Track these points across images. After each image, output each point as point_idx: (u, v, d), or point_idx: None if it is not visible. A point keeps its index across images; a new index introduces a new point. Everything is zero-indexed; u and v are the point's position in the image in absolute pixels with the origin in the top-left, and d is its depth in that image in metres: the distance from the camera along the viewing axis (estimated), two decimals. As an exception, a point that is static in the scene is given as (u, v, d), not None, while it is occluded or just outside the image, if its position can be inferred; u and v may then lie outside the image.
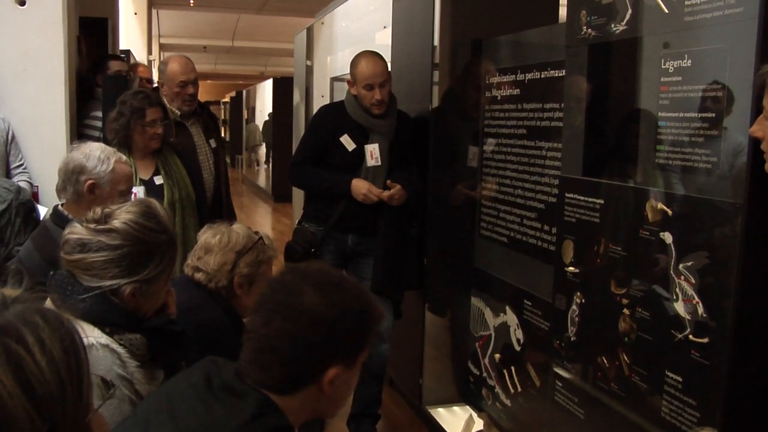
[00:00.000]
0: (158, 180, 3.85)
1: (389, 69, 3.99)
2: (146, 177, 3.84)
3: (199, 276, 2.65)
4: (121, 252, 1.93)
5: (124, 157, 2.98)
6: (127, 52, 7.77)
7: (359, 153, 3.92)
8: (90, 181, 2.82)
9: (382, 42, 5.36)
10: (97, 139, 4.46)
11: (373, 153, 3.90)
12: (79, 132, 4.69)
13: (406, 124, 4.05)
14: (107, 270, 1.92)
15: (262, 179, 17.93)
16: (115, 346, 1.88)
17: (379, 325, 1.68)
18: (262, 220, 13.65)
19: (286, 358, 1.55)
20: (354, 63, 3.95)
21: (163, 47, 19.62)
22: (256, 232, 2.80)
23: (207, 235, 2.72)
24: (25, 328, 0.97)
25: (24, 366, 0.94)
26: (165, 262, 2.01)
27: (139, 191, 3.69)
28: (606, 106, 2.79)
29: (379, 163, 3.91)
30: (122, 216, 1.97)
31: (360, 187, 3.88)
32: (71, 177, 2.83)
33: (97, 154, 2.86)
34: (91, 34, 5.91)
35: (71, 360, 1.00)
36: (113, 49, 6.58)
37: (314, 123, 4.14)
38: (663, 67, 2.37)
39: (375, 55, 3.93)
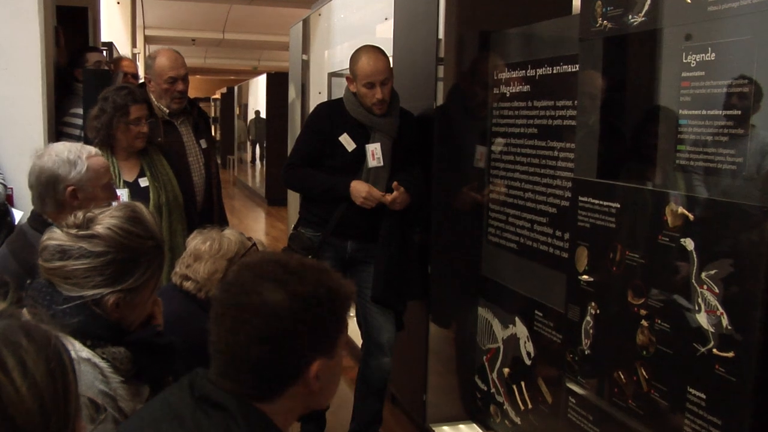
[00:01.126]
0: (143, 182, 3.85)
1: (391, 65, 3.99)
2: (130, 179, 3.83)
3: (187, 285, 2.65)
4: (105, 259, 1.91)
5: (93, 149, 2.94)
6: (110, 45, 7.75)
7: (360, 153, 3.92)
8: (70, 188, 2.78)
9: (383, 35, 5.35)
10: (77, 138, 4.47)
11: (374, 153, 3.89)
12: (57, 130, 4.68)
13: (409, 123, 4.04)
14: (89, 279, 1.91)
15: (256, 181, 17.93)
16: (97, 360, 1.86)
17: (350, 301, 1.65)
18: (255, 225, 13.65)
19: (261, 364, 1.52)
20: (354, 59, 3.94)
21: (148, 39, 19.61)
22: (249, 238, 2.80)
23: (196, 242, 2.71)
24: (6, 349, 0.94)
25: (2, 393, 0.90)
26: (152, 271, 2.00)
27: (122, 194, 3.67)
28: (623, 104, 2.78)
29: (382, 164, 3.90)
30: (106, 221, 1.95)
31: (360, 189, 3.87)
32: (47, 189, 2.78)
33: (66, 157, 2.81)
34: (70, 24, 5.88)
35: (57, 384, 0.96)
36: (94, 42, 6.56)
37: (311, 122, 4.14)
38: (685, 61, 2.36)
39: (377, 51, 3.92)
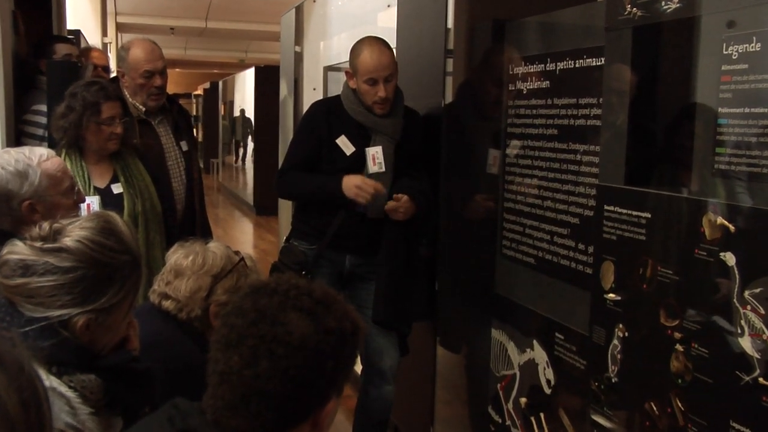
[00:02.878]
0: (116, 188, 3.84)
1: (395, 57, 3.98)
2: (102, 185, 3.83)
3: (167, 304, 2.64)
4: (74, 276, 1.89)
5: (44, 151, 2.89)
6: (77, 33, 7.71)
7: (359, 158, 3.92)
8: (26, 203, 2.75)
9: (386, 24, 5.36)
10: (40, 139, 4.46)
11: (375, 157, 3.89)
12: (17, 129, 4.67)
13: (414, 123, 4.04)
14: (56, 298, 1.89)
15: (243, 187, 17.95)
16: (63, 389, 1.84)
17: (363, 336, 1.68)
18: (243, 237, 13.66)
19: (280, 401, 1.54)
20: (355, 51, 3.94)
21: (120, 28, 19.59)
22: (236, 252, 2.79)
23: (177, 256, 2.70)
24: None
25: None
26: (127, 288, 1.99)
27: (93, 202, 3.67)
28: (654, 101, 2.77)
29: (383, 170, 3.90)
30: (75, 233, 1.94)
31: (351, 181, 3.84)
32: (0, 207, 2.77)
33: (14, 169, 2.74)
34: (31, 9, 5.84)
35: (31, 416, 0.96)
36: (59, 30, 6.53)
37: (305, 123, 4.13)
38: (725, 52, 2.36)
39: (381, 44, 3.92)
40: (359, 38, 4.01)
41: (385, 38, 3.99)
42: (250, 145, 16.85)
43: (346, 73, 4.00)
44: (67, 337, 1.90)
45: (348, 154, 3.91)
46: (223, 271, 2.66)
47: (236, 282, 2.67)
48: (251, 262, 2.81)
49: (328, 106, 4.13)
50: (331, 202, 3.95)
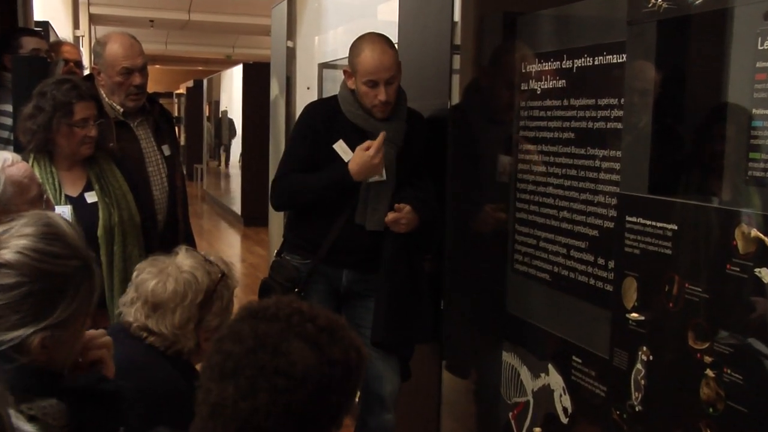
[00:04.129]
0: (90, 197, 3.84)
1: (398, 58, 3.98)
2: (74, 193, 3.82)
3: (151, 339, 2.62)
4: (19, 293, 1.85)
5: (9, 155, 2.87)
6: (45, 25, 7.69)
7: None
8: None
9: (386, 17, 5.36)
10: (5, 142, 4.45)
11: (376, 165, 3.89)
12: None
13: (418, 126, 4.04)
14: (3, 319, 1.84)
15: (230, 196, 17.96)
16: (21, 423, 1.75)
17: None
18: (229, 250, 13.65)
19: None
20: (355, 50, 3.94)
21: (94, 19, 19.58)
22: (208, 260, 2.76)
23: (153, 284, 2.64)
24: None
25: None
26: (81, 297, 1.93)
27: (64, 212, 3.66)
28: (681, 102, 2.77)
29: (384, 178, 3.90)
30: (13, 242, 1.88)
31: (359, 157, 3.84)
32: None
33: None
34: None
35: None
36: (25, 21, 6.53)
37: (300, 127, 4.14)
38: (761, 48, 2.35)
39: (383, 43, 3.91)
40: (359, 34, 4.01)
41: (385, 32, 3.99)
42: (238, 149, 16.83)
43: (345, 72, 4.00)
44: (21, 360, 1.85)
45: (346, 160, 3.91)
46: (207, 294, 2.64)
47: (223, 301, 2.66)
48: (225, 267, 2.78)
49: (323, 107, 4.14)
50: (328, 212, 3.95)
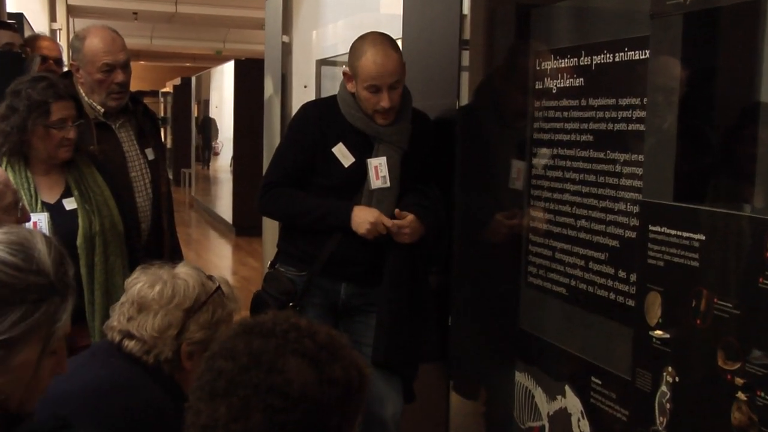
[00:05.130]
0: (69, 204, 3.83)
1: (403, 60, 3.97)
2: (52, 200, 3.82)
3: (130, 345, 2.62)
4: None
5: None
6: (20, 18, 7.69)
7: (359, 170, 3.93)
8: None
9: (389, 10, 5.36)
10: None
11: (378, 170, 3.89)
12: None
13: (423, 129, 4.04)
14: None
15: (220, 203, 17.98)
16: None
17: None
18: (220, 262, 13.67)
19: None
20: (356, 52, 3.94)
21: (72, 11, 19.61)
22: (210, 277, 2.78)
23: (141, 285, 2.68)
24: None
25: None
26: (38, 319, 1.86)
27: (40, 220, 3.66)
28: (709, 101, 2.77)
29: (388, 185, 3.90)
30: None
31: (365, 215, 3.86)
32: None
33: None
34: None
35: None
36: (-2, 14, 6.54)
37: (295, 128, 4.14)
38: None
39: (387, 44, 3.91)
40: (361, 29, 4.02)
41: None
42: (228, 152, 16.85)
43: (344, 74, 3.99)
44: None
45: (346, 165, 3.91)
46: (196, 303, 2.64)
47: (212, 315, 2.66)
48: (228, 288, 2.79)
49: (322, 108, 4.13)
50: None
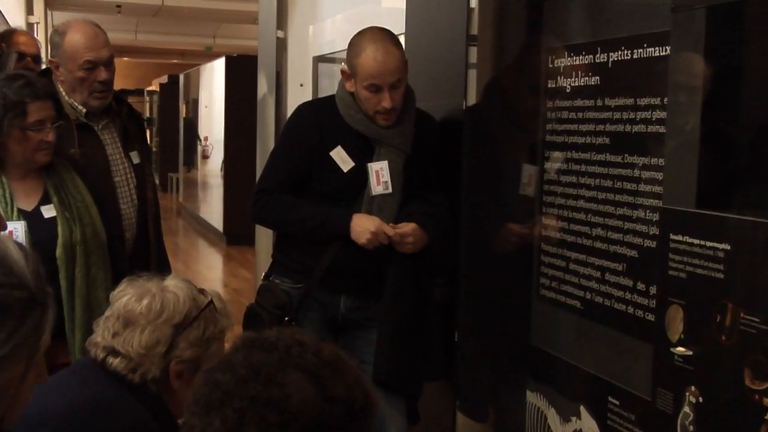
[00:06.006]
0: (48, 211, 3.83)
1: (405, 57, 3.97)
2: (29, 207, 3.82)
3: (115, 362, 2.61)
4: None
5: None
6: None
7: (359, 175, 3.93)
8: None
9: (392, 3, 5.37)
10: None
11: (380, 175, 3.89)
12: None
13: (428, 131, 4.05)
14: None
15: (209, 210, 17.98)
16: None
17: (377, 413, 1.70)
18: (210, 273, 13.66)
19: None
20: (354, 49, 3.94)
21: (50, 4, 19.59)
22: (201, 290, 2.77)
23: (127, 299, 2.68)
24: None
25: None
26: (22, 335, 1.85)
27: (17, 229, 3.66)
28: (735, 100, 2.77)
29: (389, 191, 3.90)
30: None
31: (365, 224, 3.86)
32: None
33: None
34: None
35: None
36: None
37: (291, 130, 4.14)
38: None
39: (387, 41, 3.90)
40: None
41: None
42: (219, 155, 16.85)
43: (342, 72, 3.99)
44: None
45: (345, 170, 3.91)
46: (186, 318, 2.64)
47: (204, 332, 2.65)
48: (220, 303, 2.79)
49: (319, 109, 4.14)
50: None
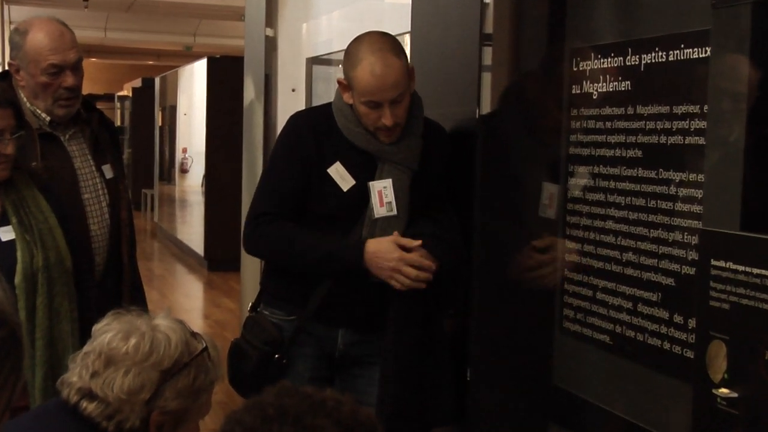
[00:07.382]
0: (6, 234, 3.83)
1: (410, 65, 3.96)
2: (-15, 229, 3.83)
3: (90, 408, 2.60)
4: None
5: None
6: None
7: (360, 194, 3.94)
8: None
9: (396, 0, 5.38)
10: None
11: (383, 195, 3.88)
12: None
13: (437, 143, 4.05)
14: None
15: (188, 231, 17.99)
16: None
17: None
18: (189, 303, 13.65)
19: None
20: (350, 59, 3.92)
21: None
22: (195, 335, 2.76)
23: (112, 335, 2.65)
24: None
25: None
26: (5, 375, 1.90)
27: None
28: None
29: (394, 212, 3.90)
30: None
31: (386, 249, 3.84)
32: None
33: None
34: None
35: None
36: None
37: (286, 144, 4.12)
38: None
39: (386, 49, 3.87)
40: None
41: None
42: (199, 169, 16.88)
43: (339, 83, 3.96)
44: None
45: (345, 189, 3.90)
46: (176, 364, 2.63)
47: (194, 381, 2.64)
48: (214, 351, 2.78)
49: (315, 119, 4.10)
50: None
